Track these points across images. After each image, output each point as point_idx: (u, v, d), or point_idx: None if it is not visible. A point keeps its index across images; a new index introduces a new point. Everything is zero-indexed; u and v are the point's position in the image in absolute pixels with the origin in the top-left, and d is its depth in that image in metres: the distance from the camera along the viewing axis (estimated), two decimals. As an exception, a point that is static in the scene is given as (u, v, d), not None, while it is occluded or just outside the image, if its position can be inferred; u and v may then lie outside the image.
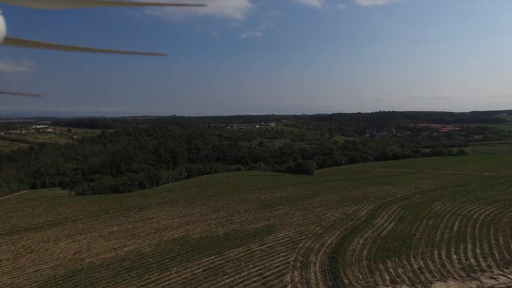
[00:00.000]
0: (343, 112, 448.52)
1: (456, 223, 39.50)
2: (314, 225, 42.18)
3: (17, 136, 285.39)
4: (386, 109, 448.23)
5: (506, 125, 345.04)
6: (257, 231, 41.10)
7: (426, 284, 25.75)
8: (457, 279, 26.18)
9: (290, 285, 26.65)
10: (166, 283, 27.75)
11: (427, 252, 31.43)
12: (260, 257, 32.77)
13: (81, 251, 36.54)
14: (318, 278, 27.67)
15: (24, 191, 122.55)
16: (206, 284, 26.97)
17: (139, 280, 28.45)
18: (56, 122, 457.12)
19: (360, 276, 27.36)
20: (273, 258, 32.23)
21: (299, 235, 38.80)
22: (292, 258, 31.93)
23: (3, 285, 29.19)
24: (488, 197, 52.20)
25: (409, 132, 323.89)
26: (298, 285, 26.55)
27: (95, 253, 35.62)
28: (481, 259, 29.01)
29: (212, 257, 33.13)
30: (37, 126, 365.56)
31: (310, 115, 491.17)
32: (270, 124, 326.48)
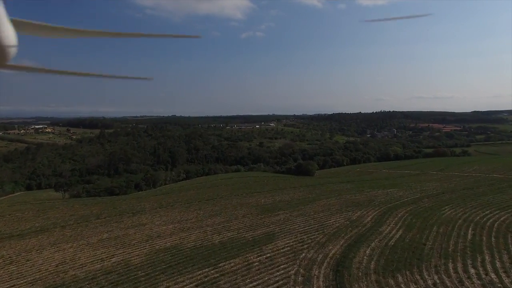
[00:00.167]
0: (344, 112, 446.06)
1: (470, 231, 36.75)
2: (316, 233, 39.45)
3: (15, 136, 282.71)
4: (387, 109, 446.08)
5: (508, 125, 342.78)
6: (256, 239, 38.37)
7: (443, 304, 23.06)
8: (477, 298, 23.49)
9: (291, 304, 23.95)
10: (154, 301, 25.06)
11: (441, 265, 28.71)
12: (258, 269, 30.06)
13: (65, 262, 33.81)
14: (322, 295, 24.97)
15: (19, 193, 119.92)
16: (198, 303, 24.26)
17: (125, 297, 25.76)
18: (55, 122, 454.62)
19: (369, 294, 24.66)
20: (272, 271, 29.52)
21: (301, 244, 36.08)
22: (293, 271, 29.23)
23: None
24: (500, 201, 49.44)
25: (410, 132, 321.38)
26: (300, 305, 23.84)
27: (80, 265, 32.89)
28: (502, 274, 26.26)
29: (206, 269, 30.42)
30: (36, 126, 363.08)
31: (310, 115, 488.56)
32: (270, 124, 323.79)
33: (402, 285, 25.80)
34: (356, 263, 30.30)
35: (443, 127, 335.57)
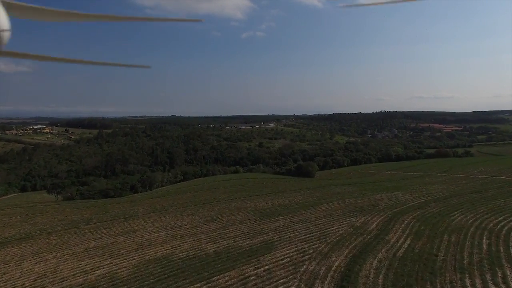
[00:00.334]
0: (344, 112, 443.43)
1: (484, 240, 34.05)
2: (318, 241, 36.72)
3: (13, 137, 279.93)
4: (387, 109, 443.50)
5: (509, 125, 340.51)
6: (253, 248, 35.64)
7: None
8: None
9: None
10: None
11: (457, 280, 26.00)
12: (255, 284, 27.36)
13: (45, 275, 31.07)
14: (326, 317, 22.26)
15: (13, 195, 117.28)
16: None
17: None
18: (53, 122, 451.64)
19: (379, 316, 21.95)
20: (270, 286, 26.81)
21: (302, 254, 33.35)
22: (293, 287, 26.52)
23: None
24: (512, 206, 46.79)
25: (411, 132, 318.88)
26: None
27: (61, 278, 30.17)
28: (527, 293, 23.59)
29: (198, 284, 27.72)
30: (34, 127, 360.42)
31: (310, 115, 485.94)
32: (270, 124, 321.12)
33: (415, 305, 23.11)
34: (363, 277, 27.60)
35: (444, 127, 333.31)
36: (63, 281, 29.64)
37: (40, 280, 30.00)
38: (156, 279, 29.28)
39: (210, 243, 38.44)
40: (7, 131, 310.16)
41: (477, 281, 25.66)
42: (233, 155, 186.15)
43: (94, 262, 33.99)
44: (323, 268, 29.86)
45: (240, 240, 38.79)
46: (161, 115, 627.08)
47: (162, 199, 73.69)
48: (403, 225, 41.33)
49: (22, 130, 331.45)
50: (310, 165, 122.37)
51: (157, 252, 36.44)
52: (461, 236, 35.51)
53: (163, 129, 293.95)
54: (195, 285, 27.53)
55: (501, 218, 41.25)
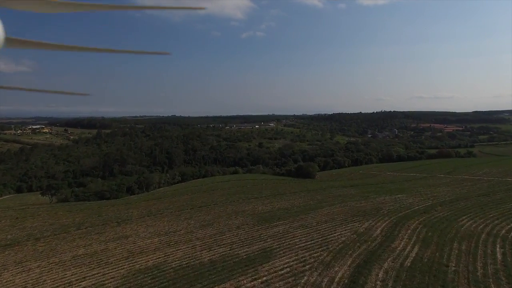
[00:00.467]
0: (344, 112, 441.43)
1: (498, 249, 31.86)
2: (320, 249, 34.54)
3: (11, 137, 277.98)
4: (387, 109, 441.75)
5: (510, 125, 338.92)
6: (250, 257, 33.47)
7: None
8: None
9: None
10: None
11: (471, 296, 23.85)
12: (252, 298, 25.21)
13: (25, 287, 28.95)
14: None
15: (7, 196, 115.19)
16: None
17: None
18: (53, 122, 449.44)
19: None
20: (268, 301, 24.66)
21: (302, 263, 31.18)
22: (293, 302, 24.37)
23: None
24: (523, 211, 44.59)
25: (412, 132, 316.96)
26: None
27: (43, 291, 28.05)
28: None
29: (190, 298, 25.58)
30: (33, 127, 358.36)
31: (310, 115, 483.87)
32: (270, 124, 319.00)
33: (427, 324, 20.94)
34: (369, 291, 25.43)
35: (445, 127, 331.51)
36: (44, 294, 27.51)
37: (20, 293, 27.88)
38: (145, 292, 27.15)
39: (205, 251, 36.27)
40: (5, 131, 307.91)
41: (495, 297, 23.51)
42: (232, 155, 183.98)
43: (81, 272, 31.82)
44: (325, 280, 27.70)
45: (237, 248, 36.60)
46: (161, 115, 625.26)
47: (158, 201, 71.56)
48: (409, 231, 39.16)
49: (21, 130, 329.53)
50: (310, 165, 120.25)
51: (148, 261, 34.28)
52: (472, 244, 33.33)
53: (162, 129, 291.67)
54: (186, 300, 25.41)
55: (513, 223, 39.10)
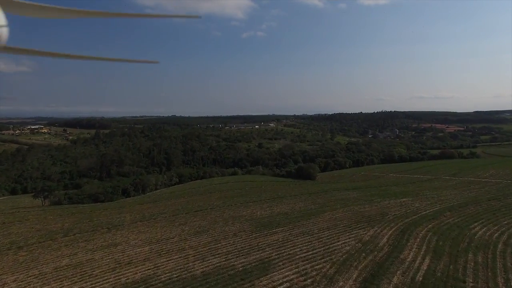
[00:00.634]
0: (344, 112, 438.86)
1: (517, 261, 29.13)
2: (322, 260, 31.81)
3: (9, 137, 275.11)
4: (387, 109, 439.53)
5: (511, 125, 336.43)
6: (247, 269, 30.74)
7: None
8: None
9: None
10: None
11: (495, 319, 21.11)
12: (248, 320, 22.49)
13: (-2, 305, 26.31)
14: None
15: (1, 198, 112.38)
16: None
17: None
18: (52, 122, 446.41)
19: None
20: (266, 324, 21.94)
21: (303, 277, 28.45)
22: (294, 325, 21.64)
23: None
24: (539, 217, 41.85)
25: (413, 132, 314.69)
26: None
27: (16, 310, 25.33)
28: None
29: (179, 319, 22.85)
30: (32, 127, 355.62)
31: (310, 115, 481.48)
32: (270, 124, 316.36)
33: None
34: (378, 311, 22.70)
35: (446, 127, 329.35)
36: (17, 313, 24.79)
37: (-10, 312, 25.19)
38: (129, 311, 24.42)
39: (198, 261, 33.52)
40: (3, 131, 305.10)
41: (522, 321, 20.78)
42: (232, 156, 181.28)
43: (61, 287, 29.09)
44: (329, 298, 24.98)
45: (233, 258, 33.86)
46: (161, 115, 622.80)
47: (153, 204, 68.87)
48: (418, 239, 36.41)
49: (19, 130, 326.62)
50: (311, 166, 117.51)
51: (136, 273, 31.54)
52: (489, 255, 30.59)
53: (161, 129, 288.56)
54: (174, 321, 22.67)
55: (531, 232, 36.36)
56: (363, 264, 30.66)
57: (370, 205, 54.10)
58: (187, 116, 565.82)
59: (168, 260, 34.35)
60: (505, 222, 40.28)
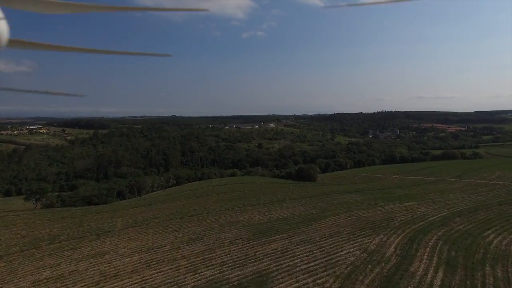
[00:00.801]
0: (345, 112, 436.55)
1: (541, 277, 26.43)
2: (324, 273, 29.11)
3: (7, 137, 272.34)
4: (387, 109, 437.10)
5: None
6: (242, 283, 28.04)
7: None
8: None
9: None
10: None
11: None
12: None
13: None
14: None
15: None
16: None
17: None
18: (50, 122, 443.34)
19: None
20: None
21: (304, 293, 25.78)
22: None
23: None
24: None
25: (414, 132, 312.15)
26: None
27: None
28: None
29: None
30: (31, 127, 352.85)
31: (310, 115, 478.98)
32: (270, 124, 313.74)
33: None
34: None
35: (447, 127, 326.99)
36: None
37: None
38: (109, 335, 21.72)
39: (190, 274, 30.80)
40: (1, 132, 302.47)
41: None
42: (231, 156, 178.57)
43: (37, 304, 26.42)
44: (334, 319, 22.27)
45: (228, 270, 31.16)
46: (161, 115, 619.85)
47: (147, 208, 66.16)
48: (428, 248, 33.69)
49: (18, 130, 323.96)
50: (311, 168, 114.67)
51: (122, 287, 28.86)
52: (509, 269, 27.89)
53: (160, 130, 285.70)
54: None
55: (550, 241, 33.66)
56: (369, 278, 27.97)
57: (374, 210, 51.36)
58: (187, 116, 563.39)
59: (157, 272, 31.65)
60: (521, 229, 37.59)
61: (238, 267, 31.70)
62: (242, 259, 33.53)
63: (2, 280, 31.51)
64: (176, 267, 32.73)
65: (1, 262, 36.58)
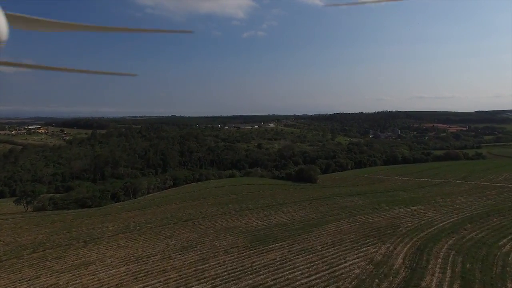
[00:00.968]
0: (345, 112, 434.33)
1: None
2: (328, 288, 26.40)
3: (4, 137, 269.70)
4: (387, 109, 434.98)
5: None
6: (237, 301, 25.34)
7: None
8: None
9: None
10: None
11: None
12: None
13: None
14: None
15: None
16: None
17: None
18: (49, 122, 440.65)
19: None
20: None
21: (305, 313, 23.05)
22: None
23: None
24: None
25: (415, 132, 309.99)
26: None
27: None
28: None
29: None
30: (29, 127, 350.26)
31: (310, 115, 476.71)
32: (270, 124, 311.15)
33: None
34: None
35: (448, 127, 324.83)
36: None
37: None
38: None
39: (180, 288, 28.09)
40: (0, 132, 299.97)
41: None
42: (230, 157, 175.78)
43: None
44: None
45: (221, 284, 28.41)
46: (161, 115, 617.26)
47: (141, 212, 63.45)
48: (440, 260, 30.95)
49: (16, 130, 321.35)
50: (312, 168, 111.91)
51: (103, 305, 26.16)
52: (532, 286, 25.17)
53: (159, 130, 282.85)
54: None
55: None
56: (377, 295, 25.25)
57: (378, 215, 48.63)
58: (187, 116, 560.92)
59: (144, 287, 28.92)
60: (539, 238, 34.86)
61: (232, 280, 28.98)
62: (238, 271, 30.79)
63: (-27, 295, 28.82)
64: (165, 280, 30.00)
65: (-24, 274, 33.86)
